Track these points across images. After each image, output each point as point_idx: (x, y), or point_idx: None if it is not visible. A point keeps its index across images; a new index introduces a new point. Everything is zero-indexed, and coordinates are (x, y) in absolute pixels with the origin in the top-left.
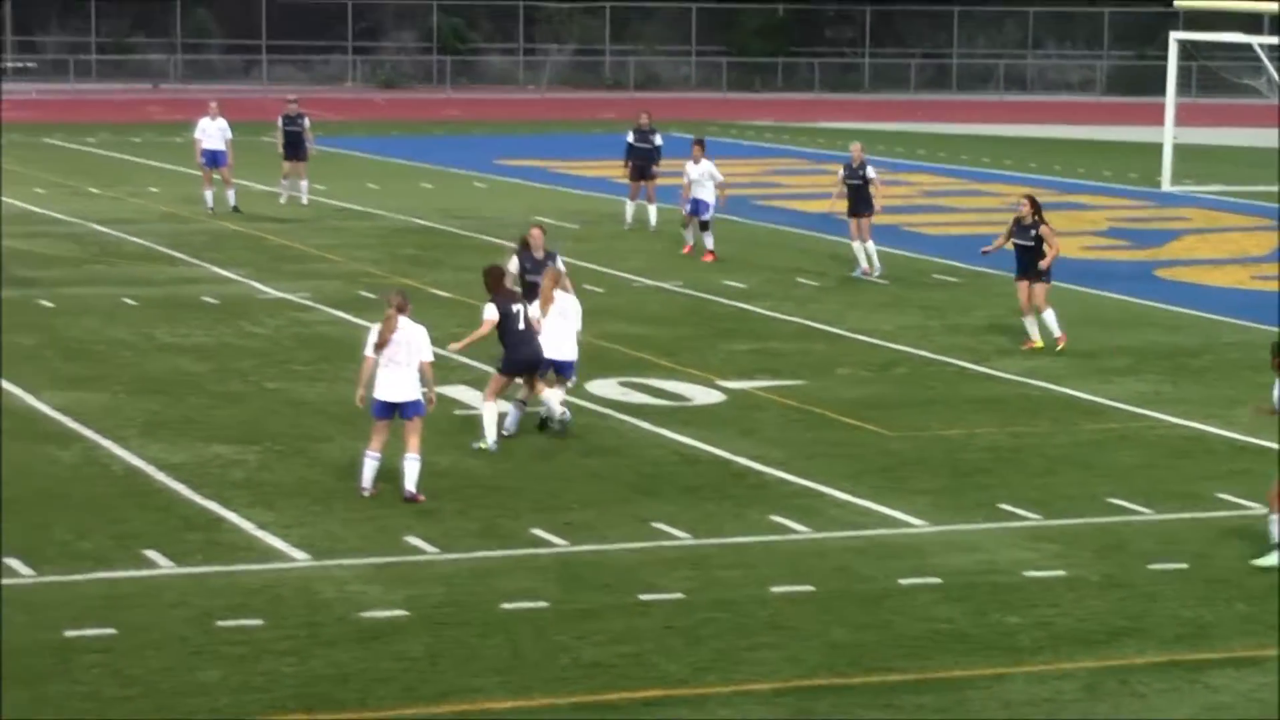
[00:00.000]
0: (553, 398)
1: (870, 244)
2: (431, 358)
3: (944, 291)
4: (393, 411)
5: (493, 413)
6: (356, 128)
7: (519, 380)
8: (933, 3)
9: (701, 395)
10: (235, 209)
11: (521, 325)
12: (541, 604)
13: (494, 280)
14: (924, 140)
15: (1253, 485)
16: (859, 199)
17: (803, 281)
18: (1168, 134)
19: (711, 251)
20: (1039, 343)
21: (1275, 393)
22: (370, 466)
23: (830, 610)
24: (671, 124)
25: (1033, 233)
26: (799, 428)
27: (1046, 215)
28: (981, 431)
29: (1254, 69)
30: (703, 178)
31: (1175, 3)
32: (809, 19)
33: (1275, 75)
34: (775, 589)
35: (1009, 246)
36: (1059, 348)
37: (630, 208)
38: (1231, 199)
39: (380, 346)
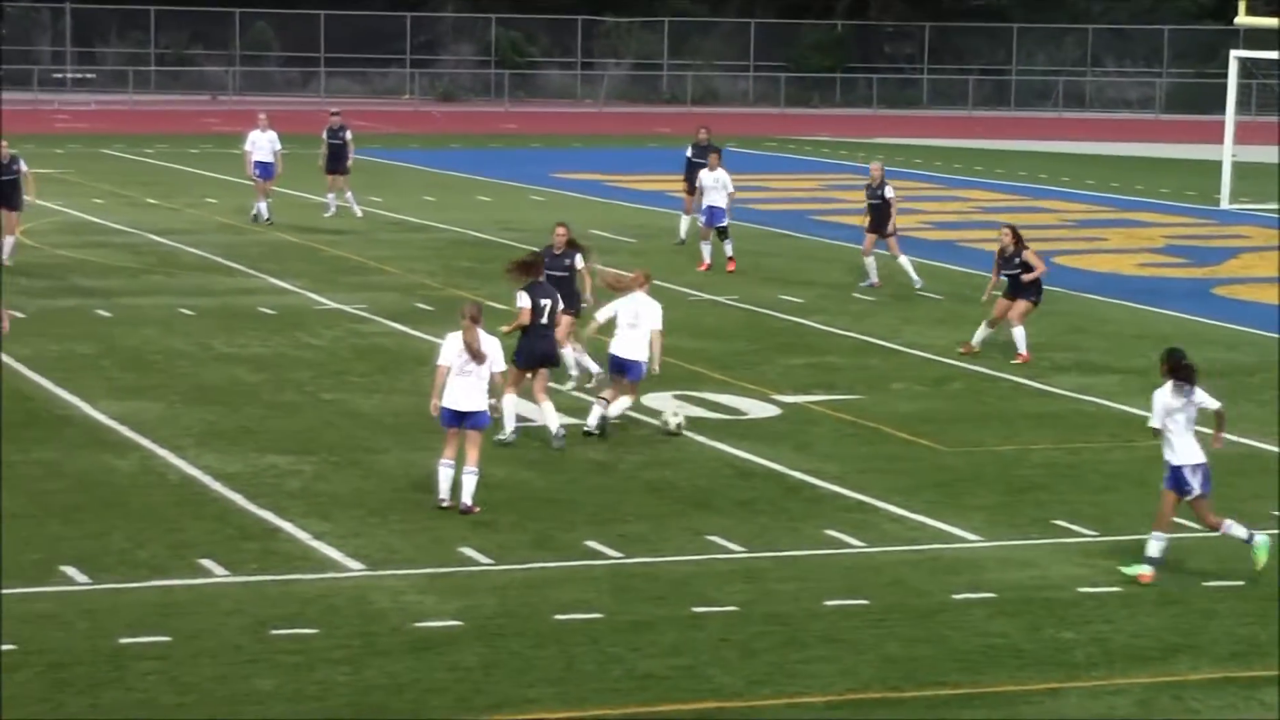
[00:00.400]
0: (616, 407)
1: (903, 258)
2: (503, 368)
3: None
4: (461, 420)
5: (512, 405)
6: (414, 140)
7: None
8: (991, 19)
9: (757, 409)
10: (269, 221)
11: (545, 319)
12: (595, 615)
13: (530, 270)
14: (981, 156)
15: None
16: (879, 217)
17: (858, 297)
18: (1227, 152)
19: (732, 259)
20: (978, 349)
21: (1156, 406)
22: (445, 476)
23: (884, 624)
24: (729, 139)
25: (1017, 260)
26: (854, 442)
27: (1105, 232)
28: (1037, 447)
29: None
30: (717, 185)
31: (1235, 20)
32: (867, 35)
33: None
34: (829, 602)
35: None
36: (1015, 362)
37: (684, 221)
38: None
39: (475, 357)
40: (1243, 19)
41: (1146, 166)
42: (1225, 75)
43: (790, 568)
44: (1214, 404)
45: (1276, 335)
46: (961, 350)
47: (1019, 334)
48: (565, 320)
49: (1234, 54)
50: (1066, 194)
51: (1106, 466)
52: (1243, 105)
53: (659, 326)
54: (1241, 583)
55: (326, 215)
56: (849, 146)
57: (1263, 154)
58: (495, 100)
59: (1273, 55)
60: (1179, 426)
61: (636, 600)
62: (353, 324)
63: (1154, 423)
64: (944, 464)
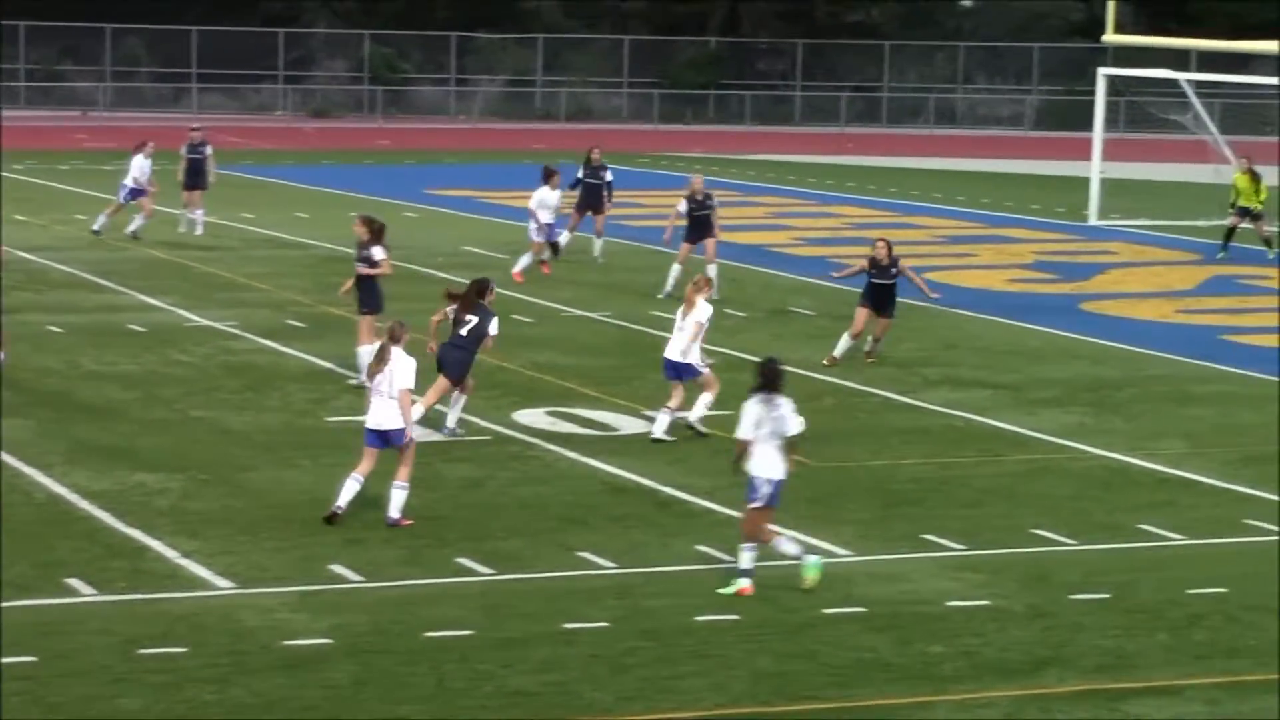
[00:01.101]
0: (699, 406)
1: (714, 266)
2: (409, 385)
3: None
4: (383, 440)
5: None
6: (286, 157)
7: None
8: (864, 37)
9: (629, 425)
10: (135, 235)
11: (464, 332)
12: (467, 632)
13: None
14: (854, 173)
15: (1175, 516)
16: (702, 228)
17: (731, 313)
18: (1095, 168)
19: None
20: (841, 359)
21: (745, 417)
22: (351, 489)
23: (755, 639)
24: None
25: (893, 271)
26: (726, 458)
27: (976, 248)
28: (908, 462)
29: (1180, 105)
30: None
31: (1104, 38)
32: (741, 52)
33: (1201, 111)
34: (701, 618)
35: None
36: (825, 363)
37: (567, 236)
38: (1157, 233)
39: (370, 375)
40: (1111, 37)
41: (1017, 183)
42: (1094, 93)
43: (662, 583)
44: (795, 428)
45: (1143, 350)
46: (825, 363)
47: (878, 347)
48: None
49: (1102, 71)
50: (938, 210)
51: (976, 481)
52: (1111, 122)
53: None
54: (1107, 595)
55: (179, 230)
56: (722, 163)
57: (1131, 170)
58: (368, 116)
59: (1140, 73)
60: (764, 437)
61: (508, 617)
62: (224, 341)
63: (743, 434)
64: (815, 479)
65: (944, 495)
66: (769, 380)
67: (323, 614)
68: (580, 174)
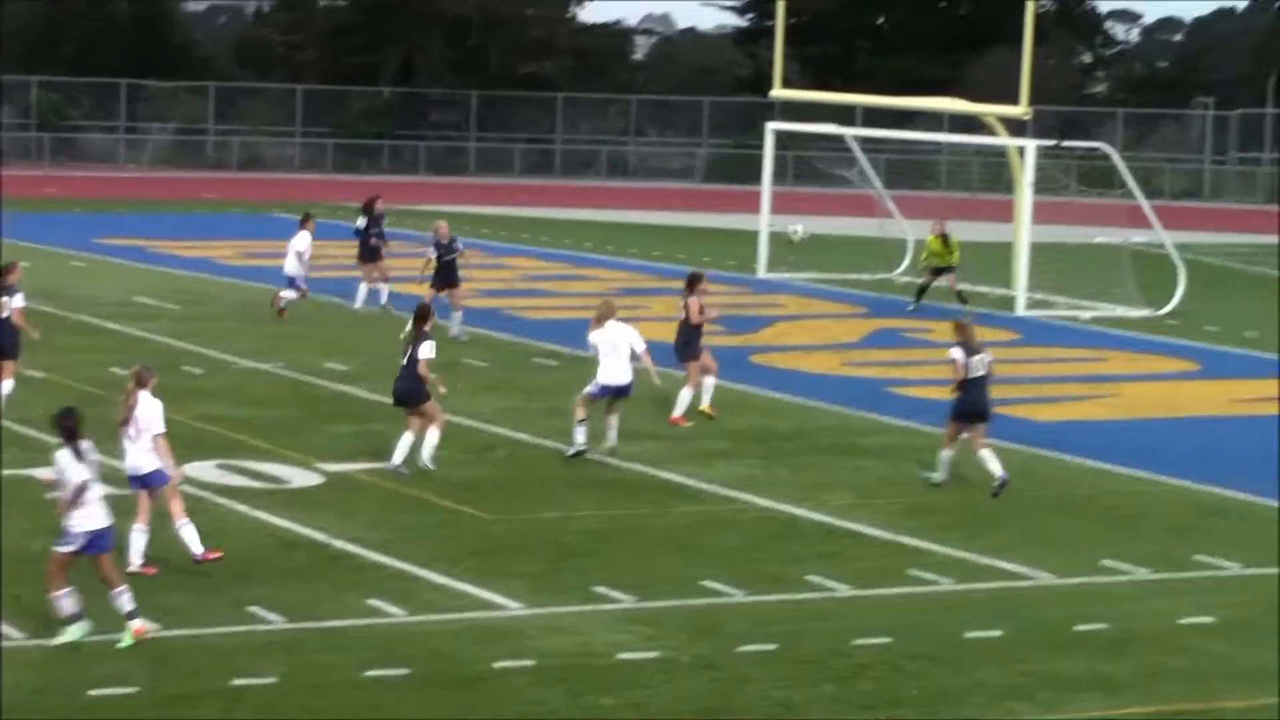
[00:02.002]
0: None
1: (460, 313)
2: (159, 430)
3: (544, 375)
4: (142, 483)
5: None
6: None
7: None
8: (538, 88)
9: (301, 478)
10: None
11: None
12: (132, 690)
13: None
14: (527, 224)
15: (842, 567)
16: (450, 272)
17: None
18: (764, 221)
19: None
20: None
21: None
22: (136, 542)
23: (424, 693)
24: (274, 205)
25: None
26: (398, 510)
27: (648, 300)
28: (580, 514)
29: (846, 160)
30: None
31: (771, 94)
32: (415, 102)
33: (867, 166)
34: (369, 673)
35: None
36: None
37: (363, 290)
38: (825, 286)
39: (121, 423)
40: (778, 92)
41: (688, 235)
42: (762, 146)
43: (331, 638)
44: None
45: (812, 402)
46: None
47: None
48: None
49: (770, 126)
50: (611, 262)
51: (647, 533)
52: (780, 176)
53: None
54: (775, 646)
55: None
56: (397, 214)
57: (798, 223)
58: (35, 163)
59: (807, 128)
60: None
61: (174, 674)
62: None
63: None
64: (487, 532)
65: (615, 547)
66: (67, 431)
67: None
68: (364, 224)
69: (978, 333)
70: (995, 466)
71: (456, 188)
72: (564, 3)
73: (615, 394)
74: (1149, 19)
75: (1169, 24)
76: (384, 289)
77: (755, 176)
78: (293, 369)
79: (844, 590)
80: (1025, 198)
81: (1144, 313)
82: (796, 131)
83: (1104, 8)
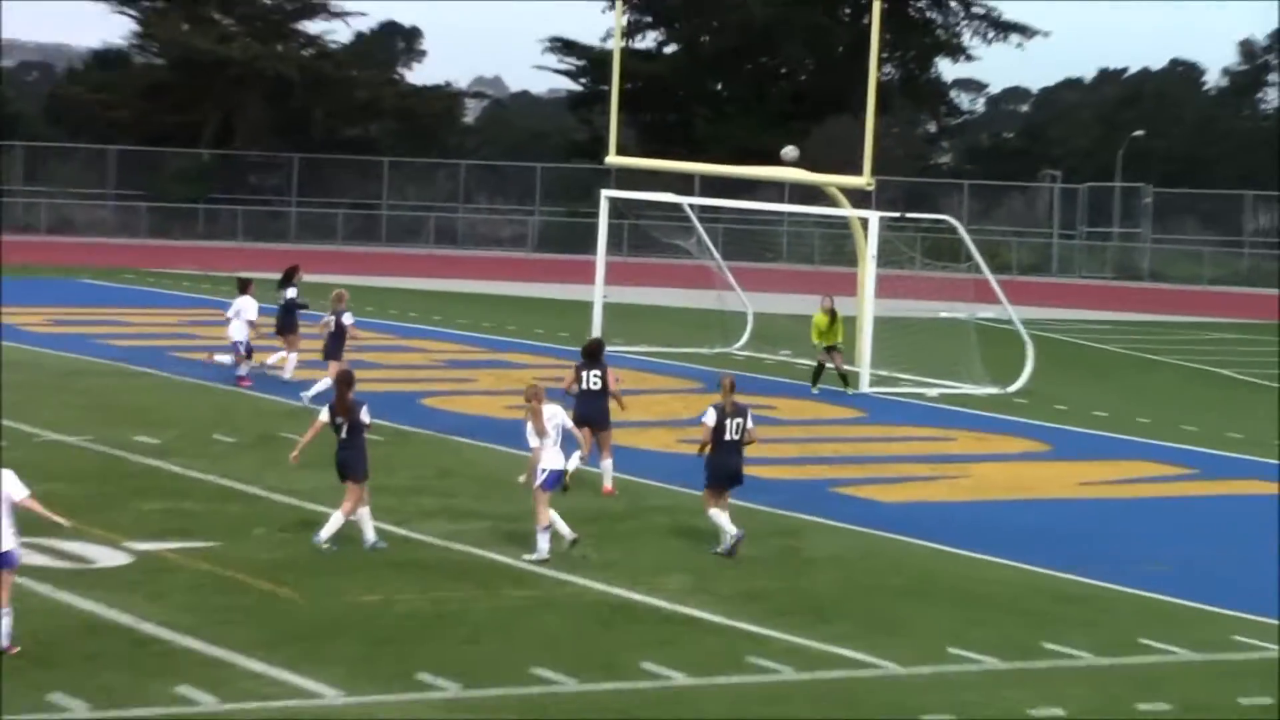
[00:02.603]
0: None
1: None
2: (21, 495)
3: (370, 449)
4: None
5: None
6: None
7: None
8: (362, 152)
9: (107, 557)
10: None
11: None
12: None
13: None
14: (351, 292)
15: (677, 654)
16: (337, 342)
17: (219, 438)
18: (598, 292)
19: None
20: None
21: None
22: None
23: None
24: (84, 270)
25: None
26: (211, 592)
27: (476, 373)
28: (403, 597)
29: (684, 229)
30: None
31: (606, 160)
32: (233, 165)
33: (704, 236)
34: None
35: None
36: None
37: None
38: (660, 360)
39: None
40: (613, 159)
41: (520, 306)
42: (597, 215)
43: None
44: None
45: (645, 480)
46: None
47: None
48: None
49: (605, 193)
50: (437, 333)
51: (473, 616)
52: (614, 245)
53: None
54: None
55: None
56: (213, 280)
57: (634, 294)
58: None
59: (643, 196)
60: None
61: None
62: None
63: None
64: (304, 616)
65: (440, 632)
66: None
67: None
68: (291, 295)
69: (736, 396)
70: (727, 524)
71: (276, 254)
72: (390, 64)
73: (558, 479)
74: (995, 88)
75: (1015, 94)
76: (292, 359)
77: (590, 245)
78: (101, 442)
79: (680, 678)
80: (869, 271)
81: (991, 390)
82: (632, 199)
83: (949, 76)
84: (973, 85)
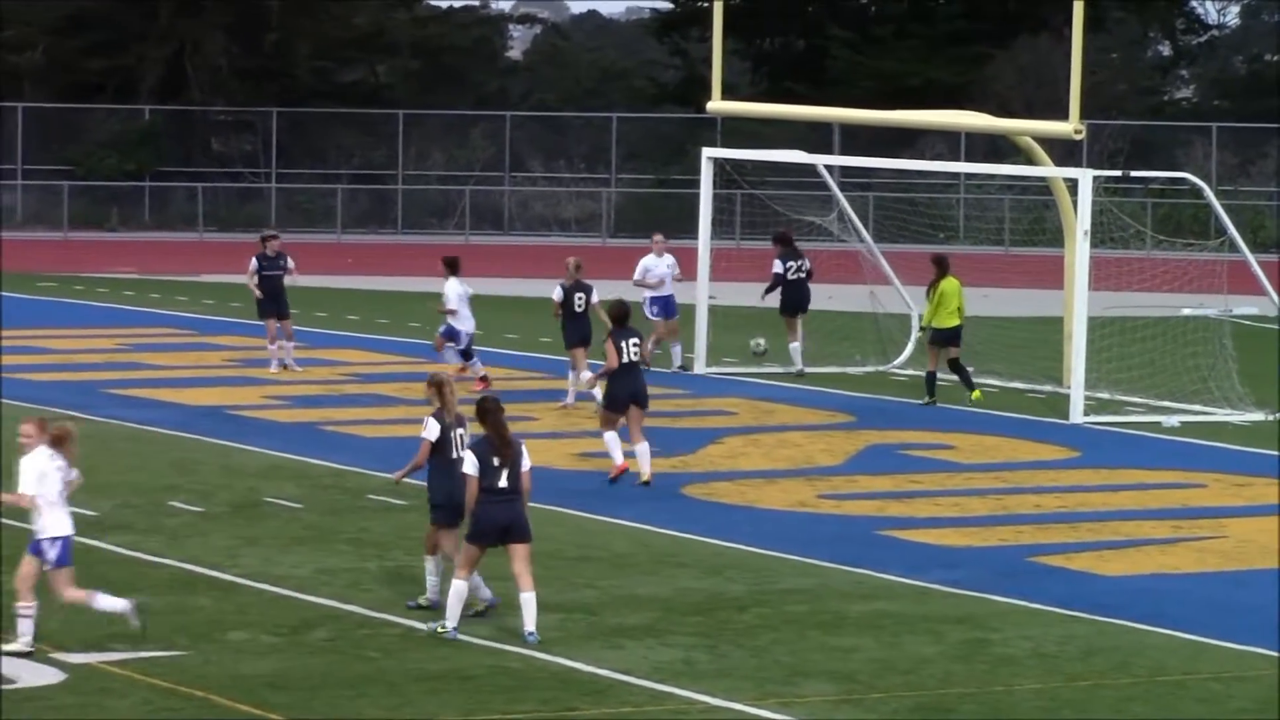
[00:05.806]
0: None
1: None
2: None
3: (385, 519)
4: None
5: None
6: None
7: None
8: (366, 104)
9: (30, 673)
10: None
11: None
12: None
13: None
14: (359, 301)
15: None
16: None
17: (179, 506)
18: (701, 292)
19: None
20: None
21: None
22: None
23: None
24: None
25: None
26: (171, 717)
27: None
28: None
29: (819, 200)
30: None
31: (709, 107)
32: (187, 125)
33: (848, 209)
34: None
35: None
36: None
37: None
38: (790, 385)
39: None
40: (718, 104)
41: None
42: (696, 183)
43: None
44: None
45: (774, 553)
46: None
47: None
48: None
49: (707, 153)
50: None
51: None
52: (722, 226)
53: None
54: None
55: None
56: (165, 287)
57: (749, 294)
58: None
59: (761, 155)
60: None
61: None
62: None
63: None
64: None
65: None
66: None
67: None
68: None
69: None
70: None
71: (248, 248)
72: None
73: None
74: None
75: None
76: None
77: (687, 226)
78: (13, 516)
79: None
80: (1080, 253)
81: (1256, 416)
82: (746, 160)
83: None
84: None
